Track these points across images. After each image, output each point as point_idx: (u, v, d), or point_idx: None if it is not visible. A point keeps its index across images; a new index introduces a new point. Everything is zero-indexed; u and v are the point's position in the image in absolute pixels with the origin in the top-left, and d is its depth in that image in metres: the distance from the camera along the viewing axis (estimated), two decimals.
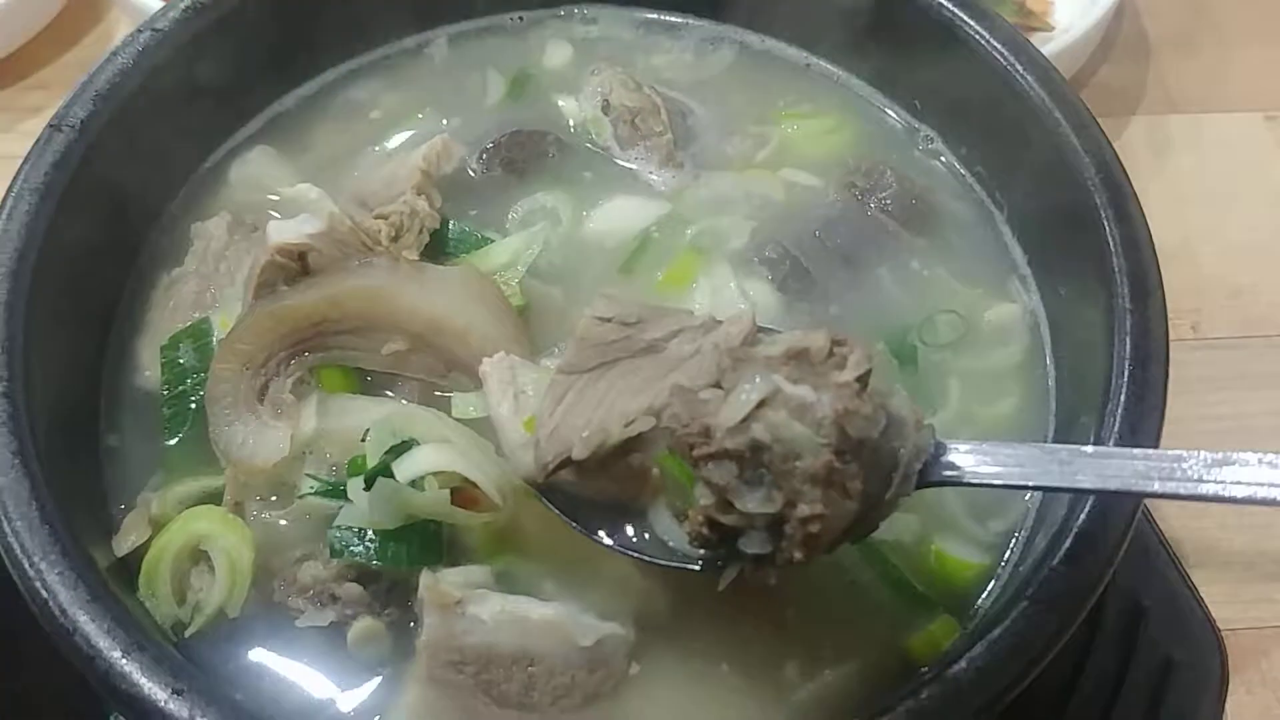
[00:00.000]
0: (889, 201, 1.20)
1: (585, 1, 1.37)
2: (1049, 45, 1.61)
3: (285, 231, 1.06)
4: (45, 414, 0.98)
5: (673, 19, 1.36)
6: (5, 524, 0.89)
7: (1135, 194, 1.07)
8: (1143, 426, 0.94)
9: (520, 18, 1.36)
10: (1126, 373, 0.97)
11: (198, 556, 1.00)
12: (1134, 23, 1.84)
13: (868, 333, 1.11)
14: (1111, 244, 1.04)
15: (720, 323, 0.94)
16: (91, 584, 0.88)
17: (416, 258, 1.10)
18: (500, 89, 1.31)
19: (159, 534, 1.00)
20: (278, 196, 1.22)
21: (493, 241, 1.15)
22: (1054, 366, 1.13)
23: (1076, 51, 1.64)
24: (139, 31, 1.16)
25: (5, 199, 1.06)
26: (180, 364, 1.09)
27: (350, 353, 1.06)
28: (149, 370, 1.11)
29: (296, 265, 1.06)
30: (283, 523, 1.02)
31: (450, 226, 1.16)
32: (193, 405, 1.07)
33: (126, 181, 1.14)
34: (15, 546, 0.89)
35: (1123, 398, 0.96)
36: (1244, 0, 1.87)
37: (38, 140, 1.09)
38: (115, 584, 0.95)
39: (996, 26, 1.16)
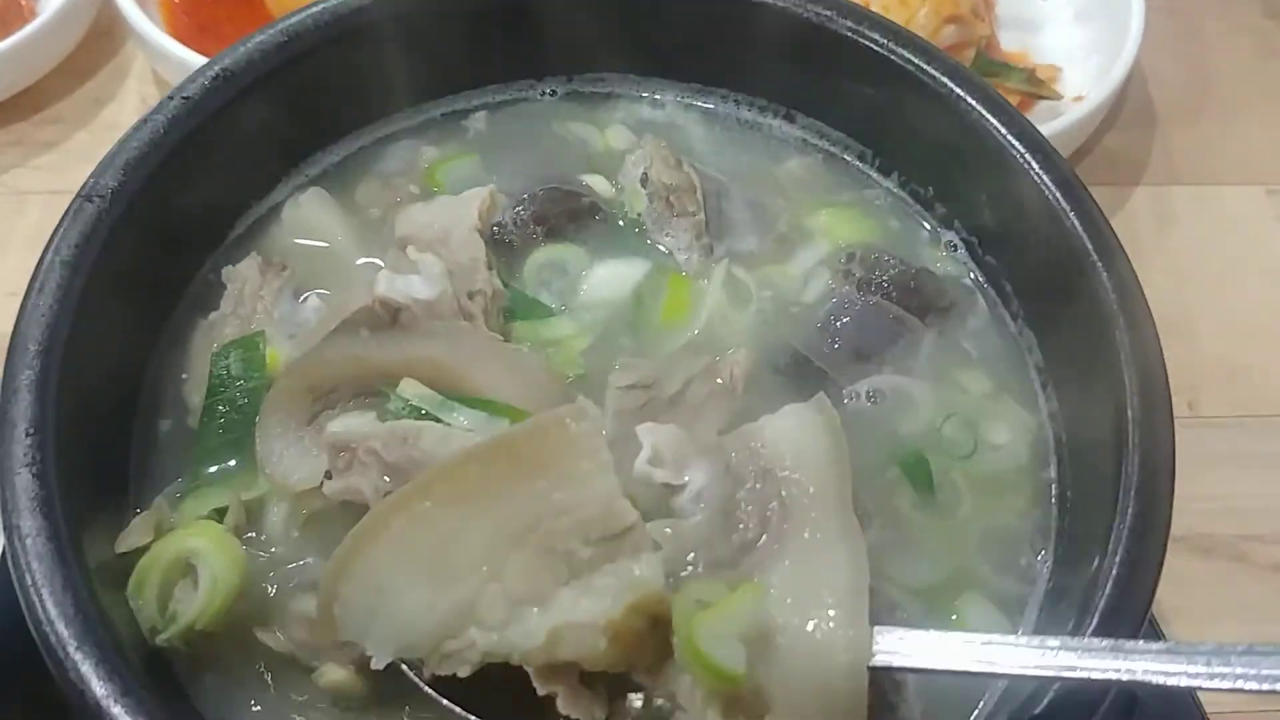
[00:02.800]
0: (890, 287, 1.22)
1: (644, 77, 1.38)
2: (1063, 118, 1.63)
3: (395, 288, 1.11)
4: (76, 495, 0.99)
5: (745, 114, 1.37)
6: (39, 607, 0.91)
7: (1148, 306, 1.08)
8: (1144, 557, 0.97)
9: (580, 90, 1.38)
10: (1134, 489, 1.00)
11: (187, 569, 1.01)
12: (1140, 90, 1.86)
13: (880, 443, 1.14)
14: (1122, 355, 1.06)
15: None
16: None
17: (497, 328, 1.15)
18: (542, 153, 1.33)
19: (157, 541, 1.03)
20: (326, 243, 1.25)
21: (553, 314, 1.20)
22: (1057, 474, 1.15)
23: (1087, 123, 1.66)
24: (168, 99, 1.16)
25: (35, 273, 1.07)
26: (228, 371, 1.12)
27: None
28: (192, 418, 1.14)
29: (387, 316, 1.10)
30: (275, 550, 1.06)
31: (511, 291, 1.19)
32: (234, 412, 1.11)
33: (157, 248, 1.15)
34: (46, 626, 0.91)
35: (1129, 519, 0.98)
36: (1247, 72, 1.89)
37: (67, 211, 1.09)
38: (107, 582, 0.98)
39: (1024, 133, 1.17)
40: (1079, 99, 1.72)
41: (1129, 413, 1.03)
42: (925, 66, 1.21)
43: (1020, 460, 1.15)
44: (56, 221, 1.56)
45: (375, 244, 1.25)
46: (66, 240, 1.08)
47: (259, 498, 1.08)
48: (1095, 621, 0.95)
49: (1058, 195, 1.13)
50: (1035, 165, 1.15)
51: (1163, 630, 1.30)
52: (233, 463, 1.10)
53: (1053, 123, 1.63)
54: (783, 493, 0.97)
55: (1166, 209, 1.75)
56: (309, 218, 1.27)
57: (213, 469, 1.10)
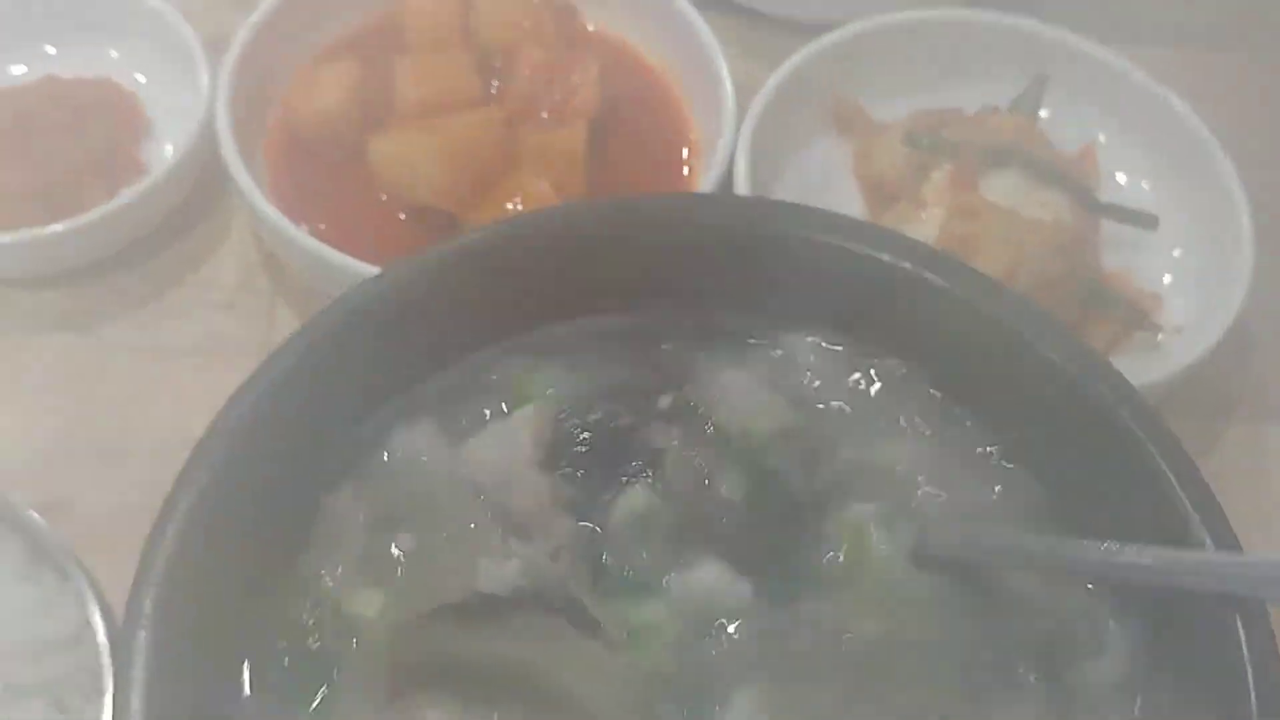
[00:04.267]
0: None
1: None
2: (1172, 358, 1.63)
3: (493, 580, 1.10)
4: None
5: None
6: None
7: None
8: None
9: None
10: None
11: None
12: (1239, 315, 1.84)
13: None
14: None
15: None
16: None
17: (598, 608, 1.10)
18: None
19: None
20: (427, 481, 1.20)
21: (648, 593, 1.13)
22: None
23: (1197, 365, 1.64)
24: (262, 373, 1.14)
25: (160, 517, 1.05)
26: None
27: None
28: None
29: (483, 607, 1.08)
30: None
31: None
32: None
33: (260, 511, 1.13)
34: None
35: None
36: None
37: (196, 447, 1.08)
38: None
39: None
40: (1178, 331, 1.70)
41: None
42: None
43: None
44: (144, 380, 1.58)
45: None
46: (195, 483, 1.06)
47: None
48: None
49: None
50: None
51: None
52: None
53: (1160, 361, 1.64)
54: None
55: (1260, 448, 1.73)
56: (413, 447, 1.22)
57: None
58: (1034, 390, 1.21)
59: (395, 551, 1.17)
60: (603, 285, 1.31)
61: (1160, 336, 1.71)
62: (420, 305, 1.21)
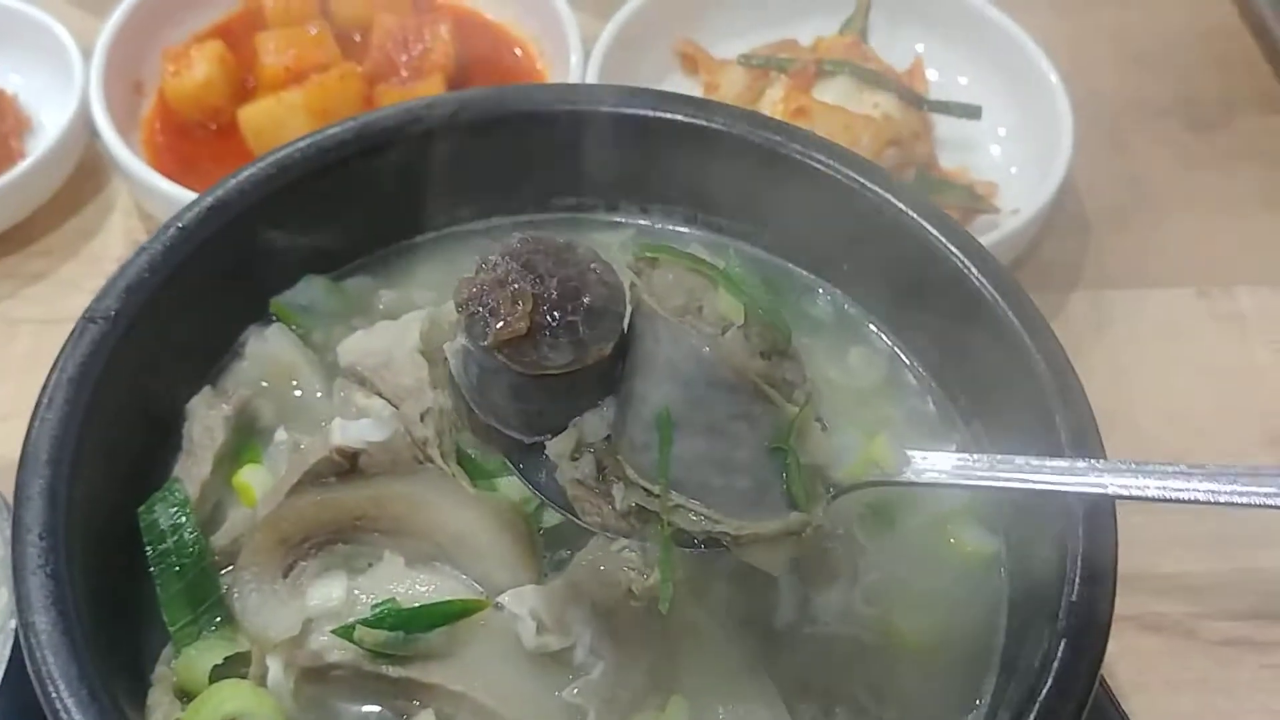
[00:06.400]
0: None
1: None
2: (1000, 230, 1.74)
3: (349, 435, 1.18)
4: (87, 593, 1.05)
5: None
6: (56, 700, 0.97)
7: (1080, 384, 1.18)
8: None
9: None
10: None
11: None
12: (1073, 200, 1.97)
13: None
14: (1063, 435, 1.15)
15: None
16: None
17: (455, 465, 1.19)
18: None
19: (191, 713, 1.07)
20: (296, 383, 1.32)
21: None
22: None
23: (1024, 233, 1.77)
24: (164, 228, 1.25)
25: (43, 389, 1.14)
26: (159, 527, 1.17)
27: (377, 549, 1.16)
28: None
29: (348, 463, 1.17)
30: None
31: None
32: (177, 568, 1.15)
33: (155, 372, 1.23)
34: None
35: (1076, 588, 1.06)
36: (1173, 181, 2.01)
37: (72, 332, 1.17)
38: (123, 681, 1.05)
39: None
40: (1015, 212, 1.83)
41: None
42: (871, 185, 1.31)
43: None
44: (47, 349, 1.65)
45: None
46: (72, 358, 1.16)
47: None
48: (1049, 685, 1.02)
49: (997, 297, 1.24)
50: (974, 269, 1.25)
51: (1121, 704, 1.36)
52: (218, 618, 1.15)
53: (991, 234, 1.74)
54: None
55: (1103, 312, 1.85)
56: (273, 352, 1.33)
57: (189, 622, 1.14)
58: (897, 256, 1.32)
59: (262, 438, 1.28)
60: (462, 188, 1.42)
61: (998, 216, 1.83)
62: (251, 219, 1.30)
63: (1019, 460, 1.06)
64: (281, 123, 1.74)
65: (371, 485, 1.18)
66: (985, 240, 1.69)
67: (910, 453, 1.08)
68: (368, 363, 1.26)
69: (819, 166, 1.31)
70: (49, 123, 1.90)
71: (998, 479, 1.06)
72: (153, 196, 1.71)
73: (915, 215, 1.28)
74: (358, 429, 1.19)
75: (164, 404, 1.26)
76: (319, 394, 1.32)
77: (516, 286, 0.91)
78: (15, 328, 1.72)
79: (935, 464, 1.08)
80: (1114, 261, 1.91)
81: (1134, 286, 1.88)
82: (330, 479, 1.18)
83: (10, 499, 1.36)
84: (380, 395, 1.24)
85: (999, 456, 1.07)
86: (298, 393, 1.32)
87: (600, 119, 1.37)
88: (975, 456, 1.09)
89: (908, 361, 1.37)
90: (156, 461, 1.24)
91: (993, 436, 1.27)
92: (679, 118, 1.35)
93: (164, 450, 1.25)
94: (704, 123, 1.35)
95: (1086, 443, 1.14)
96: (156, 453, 1.25)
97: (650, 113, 1.36)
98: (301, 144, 1.32)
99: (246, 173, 1.30)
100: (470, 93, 1.41)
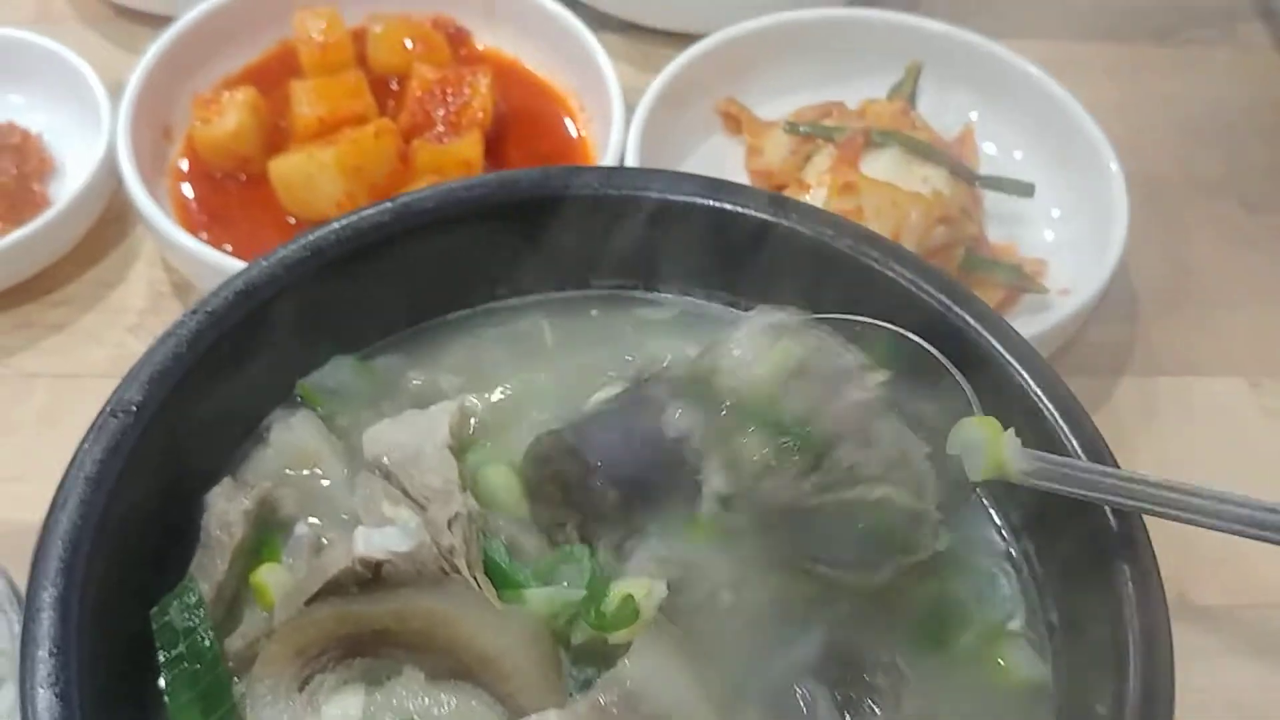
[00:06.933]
0: None
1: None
2: (1052, 314, 1.68)
3: (373, 545, 1.11)
4: (95, 706, 1.00)
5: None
6: None
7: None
8: None
9: None
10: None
11: None
12: (1122, 280, 1.91)
13: None
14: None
15: None
16: None
17: (482, 577, 1.13)
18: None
19: None
20: (321, 472, 1.26)
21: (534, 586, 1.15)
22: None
23: (1076, 319, 1.71)
24: (192, 313, 1.19)
25: (59, 489, 1.08)
26: (173, 628, 1.11)
27: (400, 664, 1.10)
28: None
29: (370, 573, 1.11)
30: None
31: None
32: (189, 674, 1.09)
33: (178, 458, 1.18)
34: None
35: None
36: (1226, 264, 1.95)
37: (91, 426, 1.12)
38: None
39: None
40: (1065, 292, 1.77)
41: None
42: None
43: None
44: (63, 405, 1.61)
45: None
46: (90, 455, 1.10)
47: None
48: None
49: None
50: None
51: None
52: None
53: (1044, 317, 1.69)
54: None
55: (1151, 400, 1.80)
56: (298, 441, 1.27)
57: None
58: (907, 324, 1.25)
59: (282, 531, 1.22)
60: (490, 268, 1.37)
61: (1048, 297, 1.77)
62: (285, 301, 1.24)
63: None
64: (312, 179, 1.69)
65: (394, 598, 1.12)
66: (1038, 326, 1.65)
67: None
68: (394, 456, 1.21)
69: (894, 276, 1.26)
70: (72, 165, 1.86)
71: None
72: (177, 252, 1.66)
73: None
74: (382, 539, 1.12)
75: (183, 494, 1.20)
76: (343, 483, 1.26)
77: None
78: (31, 381, 1.67)
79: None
80: (1163, 347, 1.86)
81: (1183, 374, 1.83)
82: (352, 589, 1.12)
83: (12, 574, 1.33)
84: (406, 494, 1.19)
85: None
86: (324, 482, 1.26)
87: (645, 205, 1.32)
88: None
89: None
90: (171, 556, 1.18)
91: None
92: (749, 212, 1.31)
93: (180, 544, 1.19)
94: (769, 218, 1.30)
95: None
96: (172, 547, 1.18)
97: (704, 201, 1.31)
98: (337, 226, 1.26)
99: (279, 255, 1.24)
100: (513, 175, 1.34)
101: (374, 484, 1.21)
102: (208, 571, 1.16)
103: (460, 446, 1.23)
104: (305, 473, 1.27)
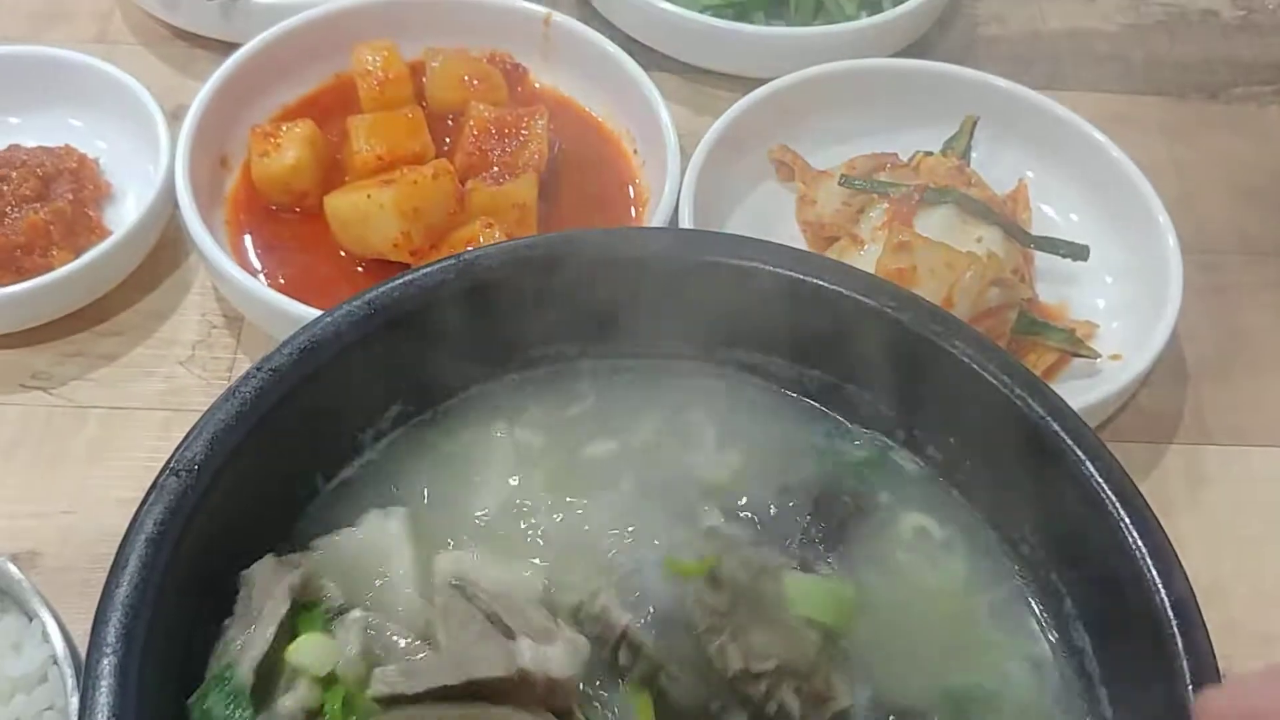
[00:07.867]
0: None
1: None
2: (1106, 384, 1.67)
3: (539, 661, 1.08)
4: None
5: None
6: None
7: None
8: None
9: None
10: None
11: None
12: (1172, 345, 1.89)
13: None
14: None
15: None
16: None
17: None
18: None
19: None
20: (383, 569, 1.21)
21: None
22: None
23: (1130, 388, 1.70)
24: (256, 369, 1.19)
25: (120, 549, 1.08)
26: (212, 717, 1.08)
27: None
28: None
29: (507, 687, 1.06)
30: None
31: None
32: None
33: (234, 522, 1.17)
34: None
35: None
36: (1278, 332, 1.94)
37: (152, 485, 1.11)
38: None
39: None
40: (1116, 357, 1.76)
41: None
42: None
43: None
44: (114, 437, 1.61)
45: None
46: (151, 514, 1.10)
47: None
48: None
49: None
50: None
51: None
52: None
53: (1096, 384, 1.69)
54: None
55: (1199, 470, 1.78)
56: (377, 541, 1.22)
57: None
58: (970, 407, 1.26)
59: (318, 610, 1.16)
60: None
61: (1099, 362, 1.76)
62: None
63: None
64: (370, 218, 1.68)
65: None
66: (1091, 394, 1.64)
67: None
68: (488, 587, 1.16)
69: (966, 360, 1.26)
70: (128, 190, 1.86)
71: None
72: (230, 286, 1.66)
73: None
74: (545, 657, 1.07)
75: (231, 565, 1.18)
76: (403, 583, 1.20)
77: None
78: (84, 413, 1.67)
79: None
80: (1213, 415, 1.84)
81: (1233, 444, 1.81)
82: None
83: (60, 613, 1.33)
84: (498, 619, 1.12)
85: None
86: (379, 581, 1.20)
87: (713, 270, 1.32)
88: None
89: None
90: (208, 633, 1.15)
91: None
92: (822, 284, 1.30)
93: (214, 618, 1.16)
94: (842, 290, 1.29)
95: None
96: (209, 622, 1.16)
97: (777, 270, 1.30)
98: (400, 282, 1.26)
99: (341, 311, 1.24)
100: (578, 235, 1.35)
101: (457, 597, 1.16)
102: (247, 653, 1.11)
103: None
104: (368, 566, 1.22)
